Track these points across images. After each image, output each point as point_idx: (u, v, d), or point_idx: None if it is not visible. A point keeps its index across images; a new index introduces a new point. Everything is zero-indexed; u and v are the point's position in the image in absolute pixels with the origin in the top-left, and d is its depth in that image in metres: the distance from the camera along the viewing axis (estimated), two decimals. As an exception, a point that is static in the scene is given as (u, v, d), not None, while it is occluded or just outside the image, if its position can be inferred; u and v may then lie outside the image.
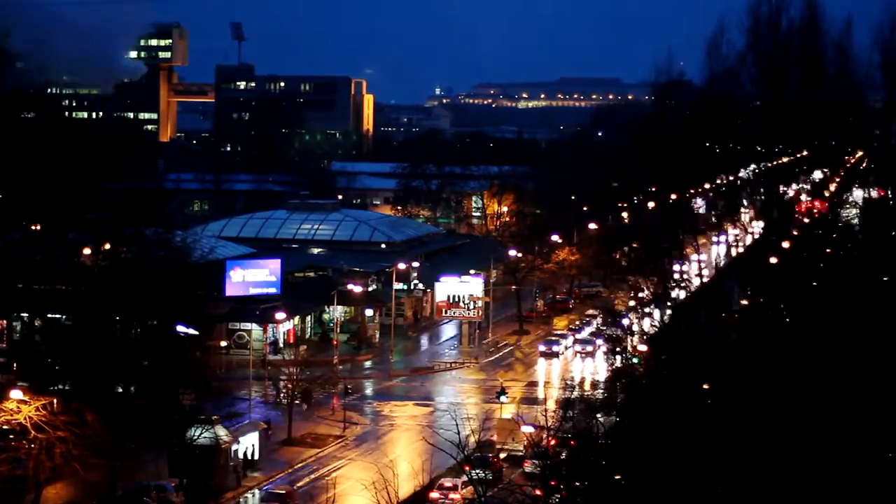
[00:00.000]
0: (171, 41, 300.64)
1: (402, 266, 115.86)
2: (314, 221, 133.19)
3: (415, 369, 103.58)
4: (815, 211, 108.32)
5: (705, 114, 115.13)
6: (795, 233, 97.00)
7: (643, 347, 79.15)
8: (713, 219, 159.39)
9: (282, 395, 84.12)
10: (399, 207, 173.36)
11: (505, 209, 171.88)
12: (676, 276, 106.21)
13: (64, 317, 74.76)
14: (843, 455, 38.46)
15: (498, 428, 75.51)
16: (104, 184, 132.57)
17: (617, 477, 42.95)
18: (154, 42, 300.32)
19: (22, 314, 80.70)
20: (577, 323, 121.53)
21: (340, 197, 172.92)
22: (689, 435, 41.13)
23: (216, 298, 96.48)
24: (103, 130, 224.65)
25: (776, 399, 41.57)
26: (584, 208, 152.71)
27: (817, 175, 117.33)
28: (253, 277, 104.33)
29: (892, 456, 40.83)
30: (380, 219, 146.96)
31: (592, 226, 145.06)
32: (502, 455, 69.88)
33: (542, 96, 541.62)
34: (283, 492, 66.14)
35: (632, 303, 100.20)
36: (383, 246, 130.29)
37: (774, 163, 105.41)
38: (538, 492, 45.64)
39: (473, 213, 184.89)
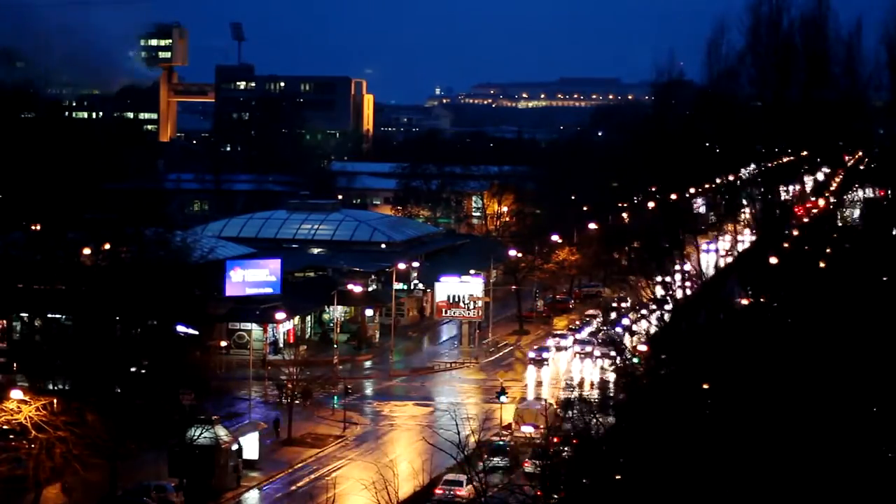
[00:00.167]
0: (171, 41, 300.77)
1: (402, 266, 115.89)
2: (314, 221, 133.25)
3: (415, 369, 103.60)
4: (816, 211, 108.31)
5: (705, 114, 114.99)
6: (796, 233, 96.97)
7: (643, 347, 79.14)
8: (713, 219, 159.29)
9: (283, 394, 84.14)
10: (399, 207, 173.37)
11: (505, 209, 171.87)
12: (679, 276, 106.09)
13: (64, 317, 74.80)
14: (843, 455, 38.44)
15: (519, 413, 76.74)
16: (104, 184, 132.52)
17: (617, 477, 42.94)
18: (154, 42, 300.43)
19: (22, 314, 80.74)
20: (577, 323, 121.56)
21: (340, 197, 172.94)
22: (688, 435, 41.12)
23: (216, 298, 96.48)
24: (103, 130, 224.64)
25: (776, 399, 41.55)
26: (584, 208, 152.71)
27: (818, 175, 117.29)
28: (253, 277, 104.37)
29: (892, 456, 40.82)
30: (380, 219, 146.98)
31: (592, 226, 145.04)
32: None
33: (542, 96, 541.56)
34: None
35: (631, 302, 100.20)
36: (383, 246, 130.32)
37: (775, 163, 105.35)
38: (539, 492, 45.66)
39: (473, 213, 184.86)
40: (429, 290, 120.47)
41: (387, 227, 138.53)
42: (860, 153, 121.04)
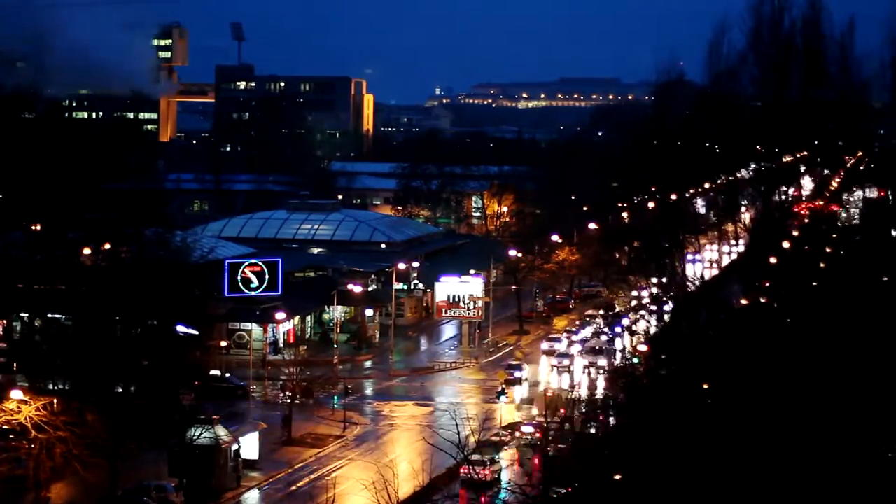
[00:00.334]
0: (171, 41, 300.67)
1: (402, 266, 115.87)
2: (314, 221, 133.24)
3: (415, 369, 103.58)
4: (815, 211, 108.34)
5: (705, 114, 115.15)
6: (796, 233, 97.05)
7: (643, 347, 79.26)
8: (713, 218, 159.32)
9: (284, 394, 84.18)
10: (399, 207, 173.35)
11: (505, 209, 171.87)
12: (679, 276, 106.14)
13: (64, 317, 74.76)
14: (843, 454, 38.43)
15: (541, 400, 77.49)
16: (104, 184, 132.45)
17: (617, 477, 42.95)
18: (154, 42, 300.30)
19: (22, 314, 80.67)
20: (577, 323, 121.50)
21: (340, 197, 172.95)
22: (688, 435, 41.11)
23: (216, 298, 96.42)
24: (103, 130, 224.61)
25: (776, 399, 41.55)
26: (584, 208, 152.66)
27: (818, 175, 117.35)
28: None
29: (892, 456, 40.81)
30: (380, 219, 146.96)
31: (592, 226, 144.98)
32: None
33: (542, 96, 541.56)
34: None
35: (633, 302, 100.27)
36: (383, 246, 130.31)
37: (775, 163, 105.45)
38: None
39: (473, 213, 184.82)
40: (429, 290, 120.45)
41: (387, 227, 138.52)
42: (860, 153, 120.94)
